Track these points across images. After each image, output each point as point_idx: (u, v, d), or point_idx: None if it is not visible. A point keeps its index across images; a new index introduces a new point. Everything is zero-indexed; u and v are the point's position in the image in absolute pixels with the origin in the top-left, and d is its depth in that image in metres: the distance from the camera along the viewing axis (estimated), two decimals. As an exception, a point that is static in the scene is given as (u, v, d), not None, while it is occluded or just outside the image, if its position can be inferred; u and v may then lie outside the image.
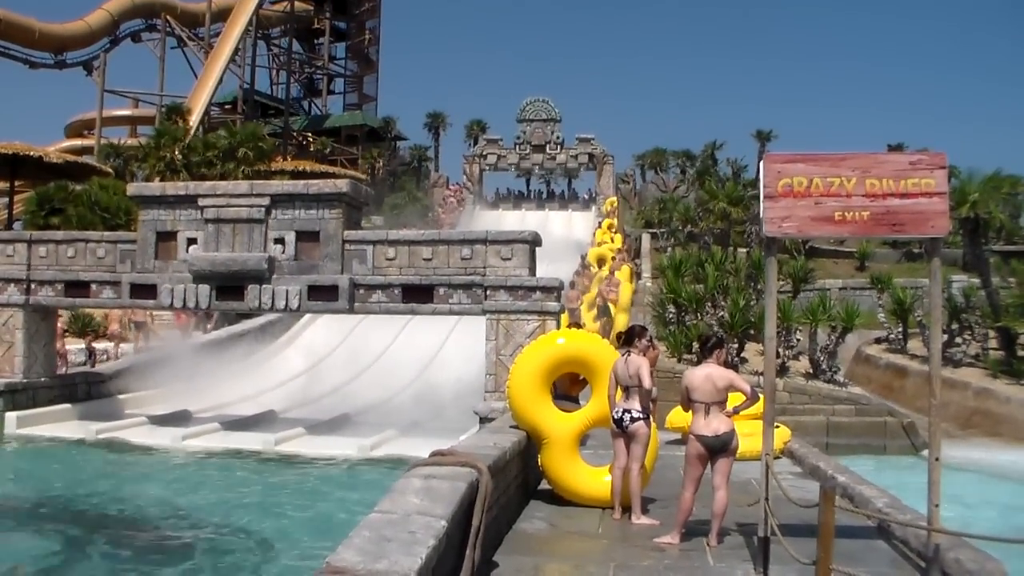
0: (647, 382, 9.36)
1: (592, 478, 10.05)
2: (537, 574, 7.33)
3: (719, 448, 8.32)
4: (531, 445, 10.48)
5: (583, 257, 35.20)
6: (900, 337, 28.84)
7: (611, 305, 27.32)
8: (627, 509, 9.55)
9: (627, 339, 9.80)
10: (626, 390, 9.51)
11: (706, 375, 8.41)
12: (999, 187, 28.54)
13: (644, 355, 9.75)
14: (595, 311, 27.26)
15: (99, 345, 30.16)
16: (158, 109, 65.31)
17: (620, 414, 9.47)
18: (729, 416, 8.40)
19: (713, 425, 8.29)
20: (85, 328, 31.53)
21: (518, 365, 10.56)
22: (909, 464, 19.97)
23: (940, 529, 6.91)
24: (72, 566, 12.00)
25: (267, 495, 16.44)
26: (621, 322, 27.30)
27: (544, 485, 10.89)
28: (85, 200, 39.71)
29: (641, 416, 9.40)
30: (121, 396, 25.31)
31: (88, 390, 24.97)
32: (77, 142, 72.82)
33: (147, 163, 46.55)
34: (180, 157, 45.80)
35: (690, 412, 8.58)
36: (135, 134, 70.36)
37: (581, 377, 10.83)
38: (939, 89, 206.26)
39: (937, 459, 7.13)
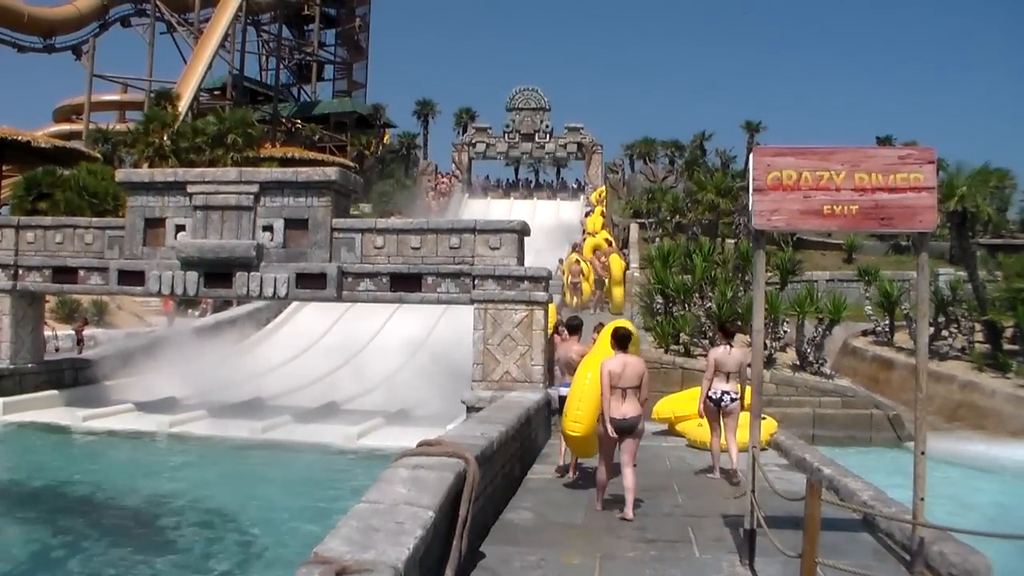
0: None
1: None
2: (523, 565, 7.34)
3: (627, 430, 9.23)
4: (520, 435, 10.50)
5: (573, 246, 35.34)
6: (887, 330, 28.90)
7: (604, 279, 31.94)
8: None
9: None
10: None
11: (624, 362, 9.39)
12: (987, 181, 28.55)
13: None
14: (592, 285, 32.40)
15: (88, 332, 30.11)
16: (147, 94, 65.00)
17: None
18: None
19: (623, 409, 9.21)
20: (72, 314, 31.46)
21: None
22: (894, 456, 20.05)
23: (925, 523, 6.94)
24: (59, 555, 11.95)
25: (254, 483, 16.42)
26: (617, 294, 30.28)
27: (532, 475, 10.91)
28: (73, 185, 39.56)
29: None
30: (108, 382, 25.27)
31: (75, 376, 24.91)
32: (65, 127, 72.72)
33: (136, 148, 46.55)
34: (169, 143, 45.72)
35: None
36: (124, 119, 70.22)
37: None
38: (928, 82, 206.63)
39: (923, 453, 7.16)
